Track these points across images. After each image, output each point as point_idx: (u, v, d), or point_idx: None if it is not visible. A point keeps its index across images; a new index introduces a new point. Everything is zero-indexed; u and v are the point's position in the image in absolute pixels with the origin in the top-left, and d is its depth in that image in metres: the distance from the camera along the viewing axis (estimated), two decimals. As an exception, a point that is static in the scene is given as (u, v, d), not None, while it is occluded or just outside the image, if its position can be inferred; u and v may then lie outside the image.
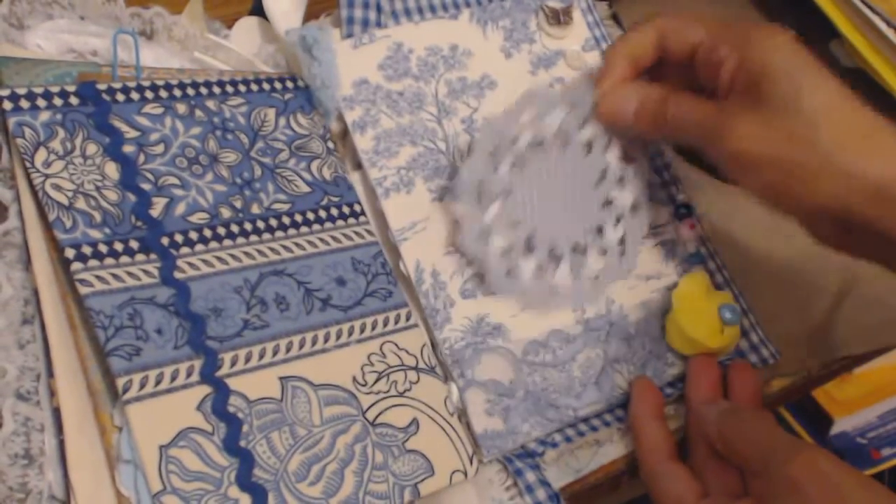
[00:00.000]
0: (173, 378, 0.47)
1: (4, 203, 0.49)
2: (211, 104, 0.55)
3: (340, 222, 0.56)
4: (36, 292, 0.48)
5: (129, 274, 0.48)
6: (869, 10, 0.72)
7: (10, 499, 0.45)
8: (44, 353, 0.47)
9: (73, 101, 0.50)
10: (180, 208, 0.51)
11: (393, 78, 0.61)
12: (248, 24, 0.60)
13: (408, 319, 0.56)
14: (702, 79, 0.55)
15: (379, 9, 0.62)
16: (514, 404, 0.56)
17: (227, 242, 0.52)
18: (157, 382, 0.46)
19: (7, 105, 0.49)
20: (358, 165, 0.60)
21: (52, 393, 0.47)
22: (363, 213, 0.58)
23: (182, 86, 0.54)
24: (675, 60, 0.56)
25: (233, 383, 0.49)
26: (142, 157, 0.51)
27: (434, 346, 0.57)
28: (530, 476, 0.55)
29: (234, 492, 0.46)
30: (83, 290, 0.46)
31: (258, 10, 0.61)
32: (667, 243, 0.64)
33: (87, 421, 0.47)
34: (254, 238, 0.53)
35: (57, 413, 0.46)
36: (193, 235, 0.51)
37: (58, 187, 0.48)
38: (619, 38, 0.58)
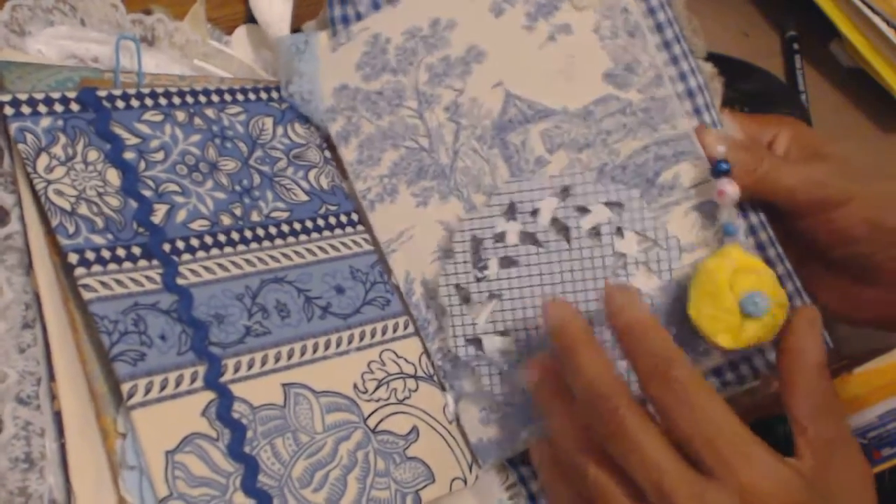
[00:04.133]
0: (178, 384, 0.47)
1: (6, 208, 0.49)
2: (210, 112, 0.55)
3: (338, 231, 0.57)
4: (37, 296, 0.48)
5: (132, 280, 0.48)
6: (869, 10, 0.73)
7: (10, 503, 0.44)
8: (45, 357, 0.47)
9: (74, 107, 0.50)
10: (181, 215, 0.51)
11: (370, 76, 0.58)
12: (248, 31, 0.60)
13: (405, 328, 0.56)
14: None
15: (346, 2, 0.59)
16: (511, 411, 0.56)
17: (227, 249, 0.52)
18: (162, 388, 0.46)
19: (8, 110, 0.48)
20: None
21: (54, 396, 0.46)
22: (360, 222, 0.58)
23: (181, 94, 0.54)
24: None
25: (236, 389, 0.48)
26: (142, 164, 0.51)
27: (429, 355, 0.57)
28: (535, 485, 0.55)
29: (240, 498, 0.46)
30: (87, 295, 0.46)
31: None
32: (705, 206, 0.53)
33: (88, 425, 0.46)
34: (254, 245, 0.53)
35: (58, 417, 0.46)
36: (195, 242, 0.51)
37: (60, 193, 0.48)
38: None
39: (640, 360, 0.44)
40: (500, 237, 0.54)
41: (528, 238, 0.54)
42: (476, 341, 0.55)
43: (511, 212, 0.54)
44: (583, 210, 0.53)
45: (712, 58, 0.55)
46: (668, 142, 0.54)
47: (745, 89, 0.72)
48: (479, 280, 0.54)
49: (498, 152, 0.56)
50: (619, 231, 0.53)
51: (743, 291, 0.48)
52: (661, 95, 0.54)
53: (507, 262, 0.54)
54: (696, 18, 0.57)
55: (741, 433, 0.42)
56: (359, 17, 0.59)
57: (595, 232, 0.53)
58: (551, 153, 0.55)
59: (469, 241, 0.54)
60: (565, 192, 0.54)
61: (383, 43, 0.58)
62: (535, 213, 0.54)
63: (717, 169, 0.51)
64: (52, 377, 0.47)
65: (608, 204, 0.53)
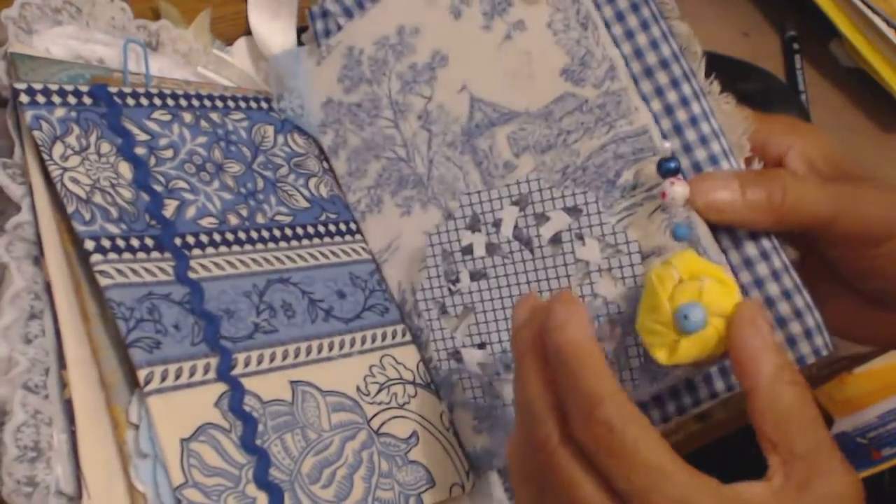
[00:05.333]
0: (192, 373, 0.46)
1: (15, 198, 0.48)
2: (215, 116, 0.55)
3: (338, 238, 0.57)
4: (47, 286, 0.47)
5: (146, 269, 0.48)
6: (869, 10, 0.73)
7: (17, 492, 0.43)
8: (55, 347, 0.46)
9: (87, 100, 0.50)
10: (191, 211, 0.51)
11: (350, 89, 0.58)
12: (248, 42, 0.61)
13: (403, 336, 0.57)
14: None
15: (327, 15, 0.59)
16: (498, 422, 0.55)
17: (235, 248, 0.52)
18: (177, 376, 0.46)
19: (24, 98, 0.48)
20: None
21: (64, 385, 0.45)
22: (359, 231, 0.58)
23: (188, 96, 0.55)
24: None
25: (247, 383, 0.48)
26: (153, 160, 0.51)
27: (425, 363, 0.57)
28: None
29: (252, 490, 0.46)
30: (104, 281, 0.46)
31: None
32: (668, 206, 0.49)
33: (99, 414, 0.45)
34: (259, 246, 0.53)
35: (68, 406, 0.45)
36: (204, 238, 0.51)
37: (75, 181, 0.48)
38: None
39: (566, 395, 0.39)
40: (467, 250, 0.53)
41: (495, 249, 0.52)
42: (456, 354, 0.54)
43: (475, 223, 0.53)
44: (542, 217, 0.51)
45: (712, 58, 0.53)
46: (626, 139, 0.50)
47: (745, 89, 0.69)
48: (452, 293, 0.53)
49: (469, 158, 0.55)
50: (580, 237, 0.50)
51: (679, 304, 0.42)
52: (616, 89, 0.50)
53: (477, 274, 0.53)
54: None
55: (675, 478, 0.37)
56: (339, 28, 0.59)
57: (556, 240, 0.50)
58: (518, 157, 0.53)
59: (440, 255, 0.53)
60: (524, 199, 0.51)
61: (357, 54, 0.58)
62: (497, 223, 0.52)
63: (664, 168, 0.46)
64: (62, 366, 0.46)
65: (566, 209, 0.50)
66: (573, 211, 0.50)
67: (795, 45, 0.81)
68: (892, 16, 0.73)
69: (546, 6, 0.52)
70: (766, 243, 0.48)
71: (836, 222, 0.46)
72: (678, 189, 0.45)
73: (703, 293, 0.42)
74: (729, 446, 0.67)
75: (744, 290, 0.48)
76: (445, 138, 0.55)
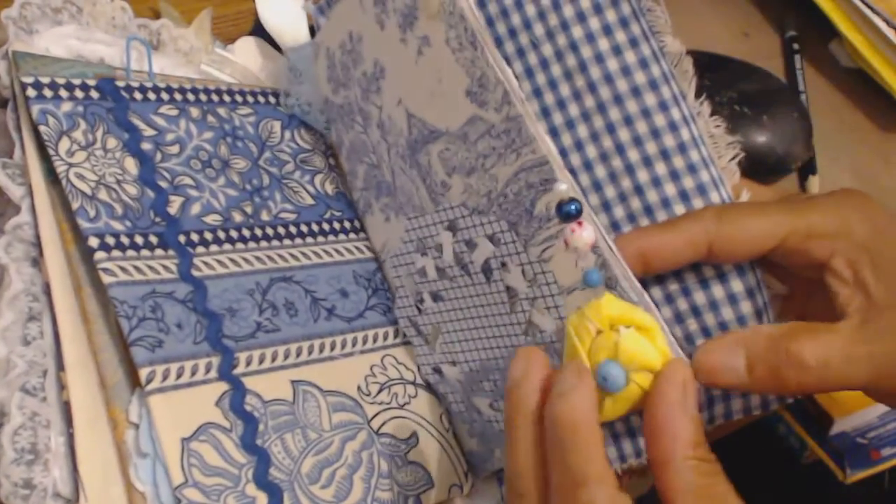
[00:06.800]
0: (193, 372, 0.46)
1: (15, 199, 0.48)
2: (222, 111, 0.55)
3: (342, 236, 0.57)
4: (46, 287, 0.47)
5: (150, 267, 0.48)
6: (869, 10, 0.73)
7: (14, 495, 0.43)
8: (53, 348, 0.46)
9: (94, 94, 0.50)
10: (195, 208, 0.51)
11: (336, 90, 0.57)
12: (249, 43, 0.61)
13: (405, 336, 0.56)
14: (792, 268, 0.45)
15: (317, 12, 0.58)
16: (482, 430, 0.54)
17: (239, 245, 0.52)
18: (178, 376, 0.46)
19: (31, 92, 0.48)
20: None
21: (62, 387, 0.45)
22: (363, 228, 0.58)
23: (195, 91, 0.55)
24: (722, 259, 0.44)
25: (248, 382, 0.48)
26: (158, 156, 0.51)
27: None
28: None
29: (252, 489, 0.46)
30: (107, 279, 0.46)
31: (258, 31, 0.62)
32: None
33: (98, 415, 0.45)
34: (263, 244, 0.53)
35: (66, 408, 0.45)
36: (208, 236, 0.51)
37: (81, 177, 0.48)
38: (651, 232, 0.44)
39: (552, 466, 0.37)
40: (422, 272, 0.52)
41: (443, 273, 0.51)
42: (438, 369, 0.54)
43: (421, 247, 0.52)
44: (472, 244, 0.49)
45: (712, 58, 0.49)
46: (533, 168, 0.44)
47: (745, 89, 0.70)
48: (421, 313, 0.53)
49: (416, 173, 0.51)
50: (504, 265, 0.47)
51: (597, 362, 0.39)
52: (514, 115, 0.45)
53: (436, 296, 0.52)
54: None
55: None
56: (319, 28, 0.58)
57: (487, 266, 0.48)
58: (450, 176, 0.49)
59: (404, 276, 0.54)
60: (454, 225, 0.50)
61: (332, 57, 0.56)
62: (439, 248, 0.51)
63: (562, 213, 0.40)
64: (60, 367, 0.46)
65: (487, 237, 0.48)
66: (493, 239, 0.48)
67: (795, 45, 0.81)
68: (892, 16, 0.73)
69: (442, 22, 0.47)
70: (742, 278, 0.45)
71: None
72: (582, 235, 0.39)
73: (620, 348, 0.38)
74: (729, 446, 0.67)
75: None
76: (398, 150, 0.52)
